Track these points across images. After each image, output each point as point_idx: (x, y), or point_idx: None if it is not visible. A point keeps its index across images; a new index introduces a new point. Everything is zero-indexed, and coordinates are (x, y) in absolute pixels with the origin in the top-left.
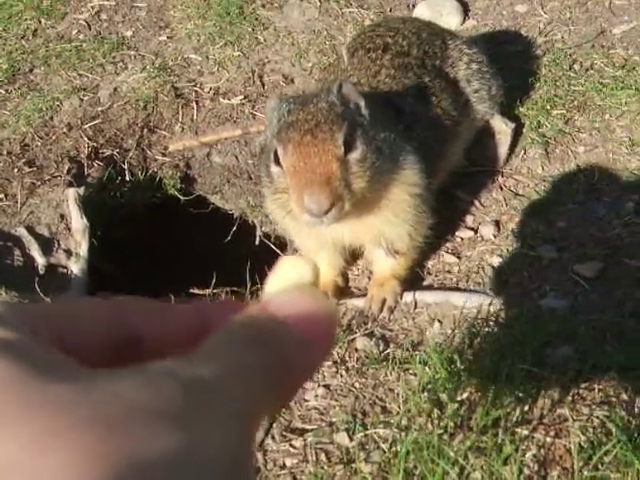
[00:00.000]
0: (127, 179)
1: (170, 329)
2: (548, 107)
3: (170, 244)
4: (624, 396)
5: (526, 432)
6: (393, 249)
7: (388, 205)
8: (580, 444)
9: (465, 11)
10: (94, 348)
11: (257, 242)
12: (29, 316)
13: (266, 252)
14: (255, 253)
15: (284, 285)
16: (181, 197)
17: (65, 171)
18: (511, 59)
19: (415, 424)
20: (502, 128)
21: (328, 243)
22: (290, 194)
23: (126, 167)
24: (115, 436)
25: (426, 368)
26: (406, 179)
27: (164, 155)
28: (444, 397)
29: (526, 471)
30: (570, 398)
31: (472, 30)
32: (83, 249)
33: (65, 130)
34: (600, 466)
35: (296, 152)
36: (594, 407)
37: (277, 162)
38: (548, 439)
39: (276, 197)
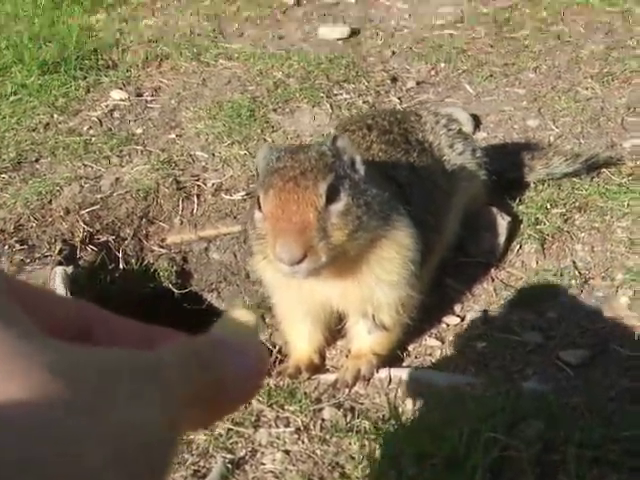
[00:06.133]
0: (121, 267)
1: (118, 335)
2: (548, 206)
3: None
4: (595, 471)
5: None
6: (379, 321)
7: (378, 262)
8: None
9: (476, 124)
10: (53, 325)
11: None
12: (12, 287)
13: None
14: None
15: (231, 328)
16: (175, 290)
17: (57, 251)
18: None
19: None
20: (498, 221)
21: (314, 305)
22: (267, 240)
23: (120, 255)
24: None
25: (391, 438)
26: (397, 238)
27: (161, 247)
28: (407, 464)
29: None
30: (539, 470)
31: (482, 141)
32: None
33: (62, 214)
34: None
35: (276, 198)
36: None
37: (259, 207)
38: None
39: (259, 242)
